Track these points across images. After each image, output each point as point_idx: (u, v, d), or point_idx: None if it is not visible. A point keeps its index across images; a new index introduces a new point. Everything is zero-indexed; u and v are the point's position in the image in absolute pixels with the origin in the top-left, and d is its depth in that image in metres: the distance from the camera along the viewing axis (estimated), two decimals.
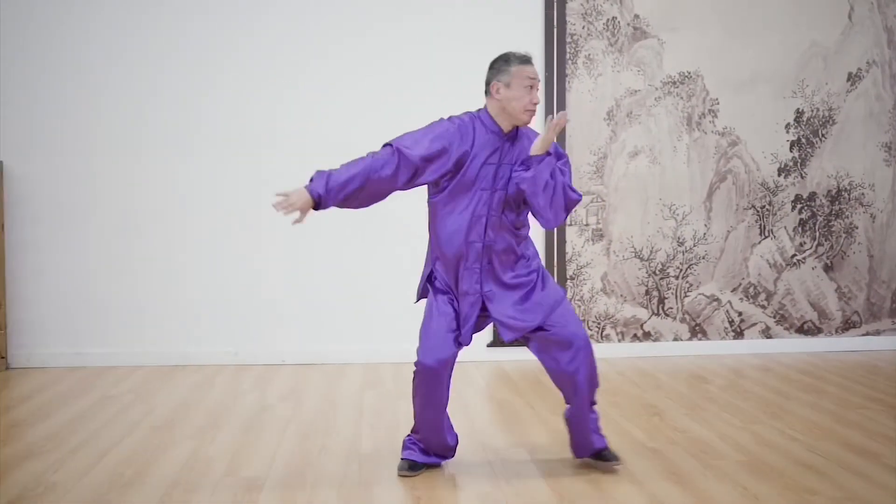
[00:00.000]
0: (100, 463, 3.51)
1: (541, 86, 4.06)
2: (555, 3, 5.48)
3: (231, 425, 4.08)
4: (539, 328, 3.29)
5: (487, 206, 3.23)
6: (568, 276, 5.61)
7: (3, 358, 5.29)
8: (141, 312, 5.41)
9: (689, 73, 5.63)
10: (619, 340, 5.67)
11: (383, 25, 5.44)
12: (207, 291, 5.43)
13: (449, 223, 3.26)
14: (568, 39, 5.53)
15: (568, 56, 5.53)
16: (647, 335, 5.70)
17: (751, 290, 5.76)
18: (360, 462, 3.56)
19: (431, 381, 3.27)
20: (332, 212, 3.31)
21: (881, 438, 3.81)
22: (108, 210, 5.38)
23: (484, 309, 3.33)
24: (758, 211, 5.73)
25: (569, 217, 5.44)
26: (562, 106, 5.51)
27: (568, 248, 5.61)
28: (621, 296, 5.66)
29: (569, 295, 5.61)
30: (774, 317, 5.79)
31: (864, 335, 5.84)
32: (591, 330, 5.63)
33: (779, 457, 3.57)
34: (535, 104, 3.22)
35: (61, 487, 3.23)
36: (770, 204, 5.74)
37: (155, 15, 5.35)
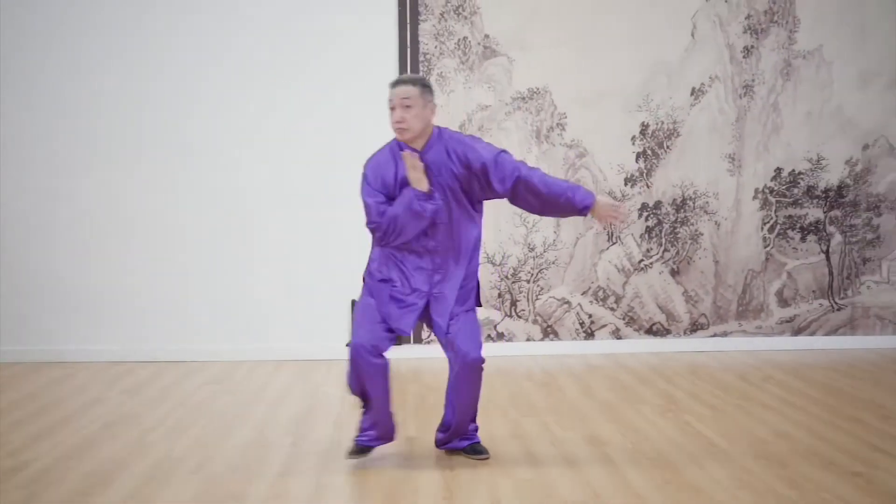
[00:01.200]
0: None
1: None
2: (408, 25, 5.86)
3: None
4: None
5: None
6: None
7: None
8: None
9: (538, 89, 5.98)
10: None
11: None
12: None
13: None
14: (421, 59, 5.90)
15: (421, 73, 5.91)
16: (500, 336, 6.06)
17: (600, 293, 6.10)
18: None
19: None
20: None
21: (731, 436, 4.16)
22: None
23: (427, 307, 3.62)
24: None
25: None
26: None
27: None
28: None
29: None
30: (624, 318, 6.12)
31: (711, 336, 6.16)
32: None
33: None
34: (397, 122, 3.49)
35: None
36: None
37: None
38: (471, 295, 3.69)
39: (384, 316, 3.59)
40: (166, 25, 5.85)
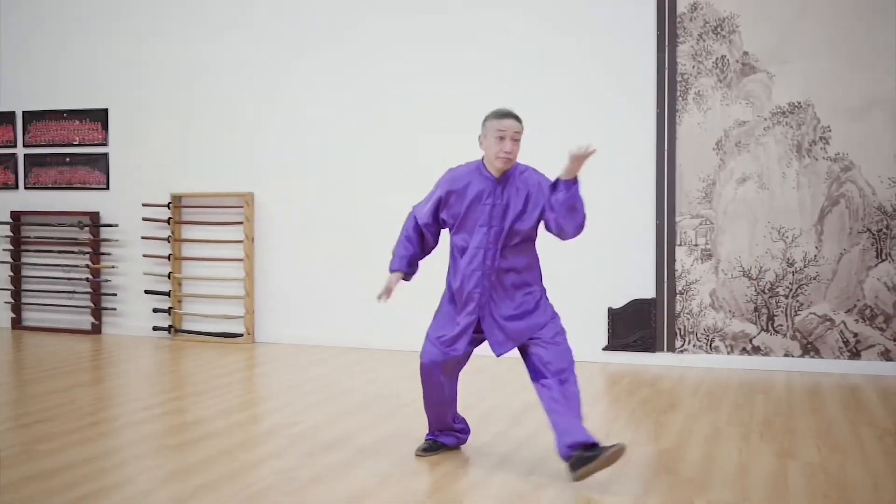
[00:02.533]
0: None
1: (652, 120, 5.54)
2: (665, 47, 6.16)
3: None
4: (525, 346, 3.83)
5: (485, 240, 3.80)
6: (677, 291, 6.21)
7: (250, 334, 7.28)
8: (353, 303, 7.07)
9: (800, 102, 5.94)
10: (728, 353, 6.12)
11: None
12: None
13: (458, 255, 3.90)
14: (678, 79, 6.16)
15: (679, 93, 6.16)
16: (756, 349, 6.08)
17: (867, 311, 5.86)
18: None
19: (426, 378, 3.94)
20: None
21: None
22: (330, 222, 7.13)
23: (479, 328, 3.87)
24: (874, 234, 5.83)
25: (679, 237, 6.12)
26: (672, 138, 6.15)
27: (678, 266, 6.20)
28: (729, 311, 6.12)
29: (678, 308, 6.21)
30: (894, 339, 5.82)
31: None
32: (699, 341, 6.17)
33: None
34: (506, 152, 3.74)
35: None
36: (887, 227, 5.81)
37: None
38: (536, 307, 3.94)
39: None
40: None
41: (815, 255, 5.95)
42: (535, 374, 3.79)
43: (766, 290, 6.06)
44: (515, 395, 5.14)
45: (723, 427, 4.49)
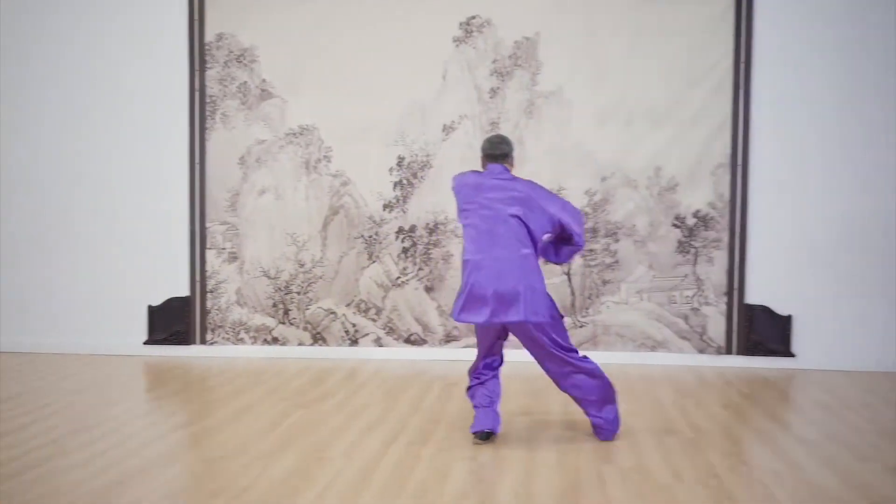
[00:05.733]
0: None
1: (185, 136, 6.52)
2: (196, 72, 6.89)
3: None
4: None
5: None
6: (208, 290, 6.97)
7: None
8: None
9: (308, 125, 6.88)
10: (252, 343, 6.96)
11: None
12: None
13: None
14: (207, 100, 6.91)
15: (208, 113, 6.91)
16: (275, 340, 6.96)
17: (362, 305, 6.91)
18: None
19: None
20: None
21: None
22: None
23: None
24: (366, 240, 6.89)
25: (209, 241, 6.87)
26: (203, 153, 6.90)
27: (208, 267, 6.97)
28: (252, 307, 6.96)
29: (209, 305, 6.98)
30: (384, 329, 6.91)
31: (464, 347, 6.85)
32: (227, 334, 6.97)
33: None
34: None
35: None
36: (377, 234, 6.88)
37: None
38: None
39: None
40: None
41: (321, 258, 6.92)
42: None
43: (283, 288, 6.95)
44: None
45: (252, 405, 5.27)
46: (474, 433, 4.53)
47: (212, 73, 6.93)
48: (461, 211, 4.59)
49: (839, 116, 6.49)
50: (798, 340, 6.58)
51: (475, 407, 4.65)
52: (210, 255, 6.98)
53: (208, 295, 6.98)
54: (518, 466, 4.16)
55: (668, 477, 3.98)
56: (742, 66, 6.51)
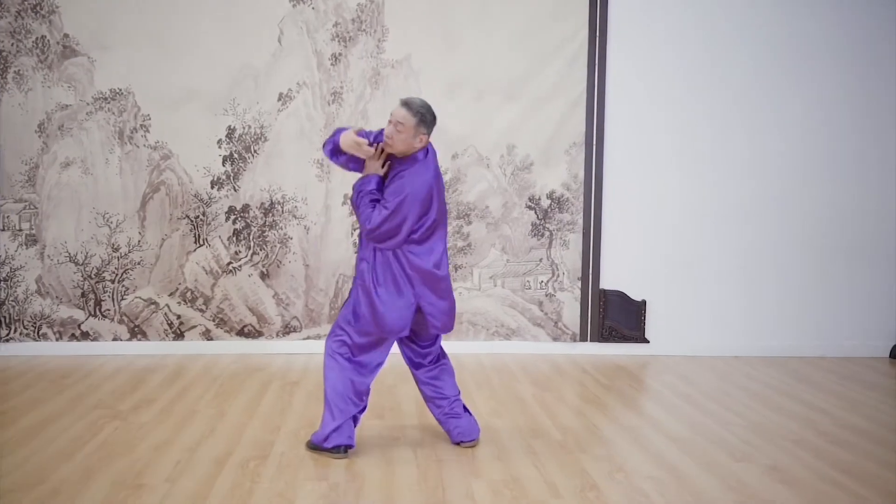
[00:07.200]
0: None
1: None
2: None
3: None
4: None
5: None
6: (2, 278, 5.97)
7: None
8: None
9: (121, 90, 6.00)
10: (57, 339, 6.04)
11: None
12: None
13: None
14: None
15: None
16: (85, 335, 6.07)
17: (188, 294, 6.14)
18: None
19: None
20: None
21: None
22: None
23: None
24: (192, 220, 6.11)
25: (2, 222, 5.86)
26: None
27: (1, 252, 5.97)
28: (57, 297, 6.03)
29: (3, 295, 5.98)
30: (214, 320, 6.17)
31: (304, 339, 6.23)
32: (26, 329, 6.01)
33: None
34: (387, 136, 3.84)
35: None
36: (204, 214, 6.11)
37: None
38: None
39: None
40: None
41: (139, 241, 6.08)
42: None
43: (94, 276, 6.06)
44: None
45: (53, 417, 4.36)
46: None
47: (1, 24, 5.89)
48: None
49: (695, 95, 6.33)
50: (651, 326, 6.42)
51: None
52: (3, 237, 5.97)
53: (2, 284, 5.98)
54: (375, 488, 3.63)
55: (543, 491, 3.58)
56: (597, 37, 6.21)
